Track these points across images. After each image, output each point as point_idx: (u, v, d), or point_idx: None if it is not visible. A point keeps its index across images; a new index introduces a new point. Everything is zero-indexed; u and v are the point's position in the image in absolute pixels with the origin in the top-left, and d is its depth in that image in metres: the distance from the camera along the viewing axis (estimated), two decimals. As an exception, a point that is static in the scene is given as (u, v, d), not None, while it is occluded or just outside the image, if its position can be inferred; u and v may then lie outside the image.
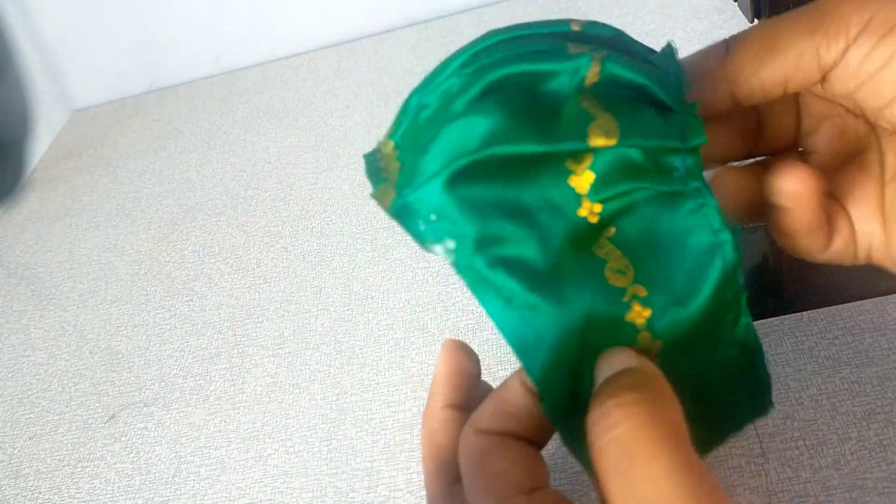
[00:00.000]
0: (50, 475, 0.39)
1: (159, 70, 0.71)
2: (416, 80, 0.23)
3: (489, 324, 0.36)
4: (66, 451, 0.40)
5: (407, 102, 0.23)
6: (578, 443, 0.20)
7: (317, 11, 0.67)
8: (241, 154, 0.58)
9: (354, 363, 0.38)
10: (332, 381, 0.38)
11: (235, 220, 0.51)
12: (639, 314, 0.21)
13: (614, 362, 0.20)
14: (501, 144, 0.20)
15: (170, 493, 0.36)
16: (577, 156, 0.21)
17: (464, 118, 0.20)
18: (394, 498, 0.32)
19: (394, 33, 0.66)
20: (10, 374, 0.45)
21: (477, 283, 0.20)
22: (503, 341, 0.23)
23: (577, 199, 0.21)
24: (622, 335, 0.21)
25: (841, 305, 0.33)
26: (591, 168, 0.21)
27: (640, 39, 0.24)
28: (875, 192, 0.25)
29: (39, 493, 0.38)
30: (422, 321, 0.39)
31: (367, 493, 0.32)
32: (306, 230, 0.48)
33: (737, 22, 0.52)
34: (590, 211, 0.21)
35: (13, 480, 0.39)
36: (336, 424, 0.36)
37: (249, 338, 0.42)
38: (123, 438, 0.39)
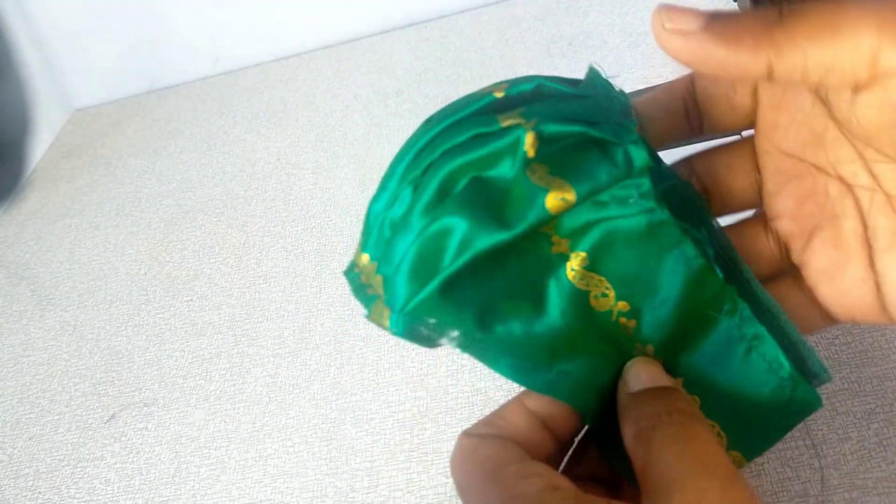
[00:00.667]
0: (50, 475, 0.39)
1: (159, 70, 0.71)
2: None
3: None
4: (66, 451, 0.40)
5: (368, 212, 0.24)
6: (611, 439, 0.23)
7: (317, 11, 0.67)
8: (241, 154, 0.58)
9: (354, 363, 0.38)
10: (332, 381, 0.38)
11: (235, 220, 0.51)
12: (625, 327, 0.23)
13: (653, 376, 0.22)
14: (473, 248, 0.21)
15: (170, 493, 0.36)
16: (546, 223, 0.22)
17: (428, 230, 0.21)
18: (394, 498, 0.32)
19: (394, 33, 0.66)
20: (10, 374, 0.45)
21: (484, 354, 0.22)
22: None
23: (548, 238, 0.23)
24: (622, 348, 0.23)
25: (841, 305, 0.33)
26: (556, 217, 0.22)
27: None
28: (858, 273, 0.23)
29: (39, 493, 0.38)
30: (422, 321, 0.39)
31: (367, 493, 0.32)
32: (306, 230, 0.48)
33: (737, 22, 0.52)
34: (560, 246, 0.23)
35: (13, 480, 0.39)
36: (336, 424, 0.36)
37: (249, 338, 0.42)
38: (123, 438, 0.39)
